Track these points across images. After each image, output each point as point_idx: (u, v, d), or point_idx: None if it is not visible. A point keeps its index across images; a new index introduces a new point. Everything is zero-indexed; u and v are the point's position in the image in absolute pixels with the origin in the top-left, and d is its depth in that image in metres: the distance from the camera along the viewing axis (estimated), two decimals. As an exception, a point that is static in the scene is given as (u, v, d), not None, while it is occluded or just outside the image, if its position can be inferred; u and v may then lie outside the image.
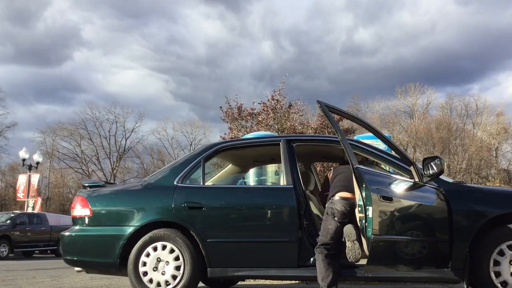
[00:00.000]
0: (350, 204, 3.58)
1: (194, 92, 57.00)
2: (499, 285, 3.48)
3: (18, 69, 52.94)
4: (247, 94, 49.23)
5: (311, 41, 54.83)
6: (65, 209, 34.58)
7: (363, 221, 3.22)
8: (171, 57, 56.61)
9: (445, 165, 3.58)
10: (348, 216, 3.56)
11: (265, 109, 12.57)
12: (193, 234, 3.88)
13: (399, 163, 3.87)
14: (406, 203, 3.36)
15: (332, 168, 4.09)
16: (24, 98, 53.68)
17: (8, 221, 16.03)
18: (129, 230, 3.96)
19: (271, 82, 53.07)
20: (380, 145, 5.62)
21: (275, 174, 6.33)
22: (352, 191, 3.60)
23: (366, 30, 54.59)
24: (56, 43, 53.26)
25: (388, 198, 3.23)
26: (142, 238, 3.93)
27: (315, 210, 4.44)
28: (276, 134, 10.52)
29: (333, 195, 3.70)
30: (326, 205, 3.74)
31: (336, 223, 3.58)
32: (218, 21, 57.61)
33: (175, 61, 56.33)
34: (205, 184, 4.27)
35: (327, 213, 3.69)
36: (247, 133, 11.09)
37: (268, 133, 9.69)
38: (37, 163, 23.64)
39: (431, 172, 3.48)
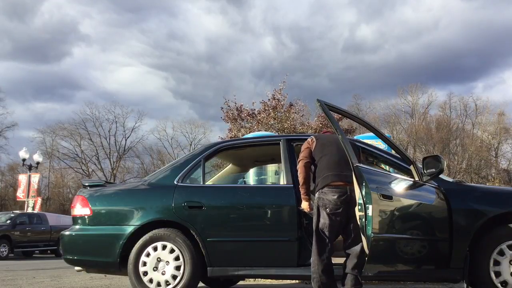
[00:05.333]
0: (343, 192, 3.39)
1: (194, 89, 56.86)
2: (499, 285, 3.49)
3: (15, 65, 52.72)
4: (248, 92, 49.03)
5: (312, 37, 54.54)
6: (65, 209, 34.58)
7: (363, 219, 3.23)
8: (170, 53, 56.36)
9: (445, 164, 3.58)
10: (341, 206, 3.38)
11: (265, 108, 12.57)
12: (193, 234, 3.89)
13: (399, 162, 3.88)
14: (406, 202, 3.36)
15: (313, 136, 3.73)
16: (22, 96, 53.59)
17: (8, 221, 16.03)
18: (129, 229, 3.96)
19: (272, 80, 52.71)
20: (380, 144, 5.63)
21: (275, 174, 6.33)
22: (343, 179, 3.40)
23: (369, 26, 54.30)
24: (53, 38, 53.06)
25: (388, 197, 3.23)
26: (142, 238, 3.94)
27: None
28: (276, 134, 10.53)
29: (323, 187, 3.45)
30: (316, 196, 3.52)
31: (328, 217, 3.39)
32: (220, 16, 57.34)
33: (175, 58, 56.08)
34: (205, 183, 4.28)
35: (317, 205, 3.47)
36: (247, 133, 11.09)
37: (268, 133, 9.69)
38: (37, 163, 23.64)
39: (431, 171, 3.49)
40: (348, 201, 3.39)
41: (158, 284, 3.86)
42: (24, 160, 22.45)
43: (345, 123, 14.45)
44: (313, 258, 3.44)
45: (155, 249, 3.91)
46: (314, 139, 3.68)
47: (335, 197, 3.39)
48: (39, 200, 23.67)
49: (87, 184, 4.38)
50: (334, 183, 3.43)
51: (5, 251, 15.15)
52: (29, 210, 20.90)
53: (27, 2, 50.95)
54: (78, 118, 39.70)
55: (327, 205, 3.41)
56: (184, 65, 55.62)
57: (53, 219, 18.10)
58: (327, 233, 3.41)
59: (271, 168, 6.38)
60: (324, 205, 3.43)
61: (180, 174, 4.14)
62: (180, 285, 3.82)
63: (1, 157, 37.22)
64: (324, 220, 3.43)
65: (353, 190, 3.39)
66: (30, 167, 22.65)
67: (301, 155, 3.66)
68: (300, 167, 3.63)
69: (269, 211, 3.89)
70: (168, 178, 4.17)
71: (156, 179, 4.23)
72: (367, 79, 52.66)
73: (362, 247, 3.34)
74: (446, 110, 41.03)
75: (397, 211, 3.30)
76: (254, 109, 12.94)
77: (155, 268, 3.89)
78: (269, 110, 12.49)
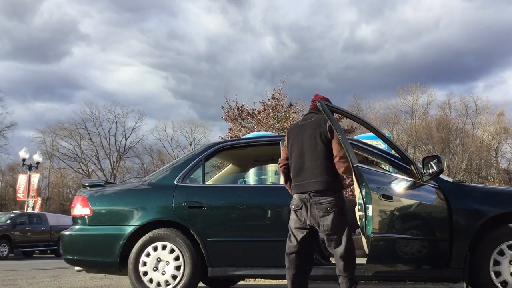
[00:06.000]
0: (303, 193, 3.29)
1: (194, 89, 56.80)
2: (499, 285, 3.49)
3: (15, 65, 52.66)
4: (248, 92, 48.99)
5: (313, 37, 54.43)
6: (65, 209, 34.60)
7: (363, 219, 3.23)
8: (170, 53, 56.22)
9: (445, 164, 3.58)
10: (301, 203, 3.29)
11: (265, 108, 12.57)
12: (193, 234, 3.89)
13: (399, 162, 3.88)
14: (406, 202, 3.36)
15: (287, 132, 3.56)
16: (21, 95, 53.53)
17: (8, 221, 16.04)
18: (129, 229, 3.97)
19: (272, 80, 52.84)
20: (381, 144, 5.63)
21: (275, 174, 6.34)
22: (304, 189, 3.27)
23: (369, 26, 54.24)
24: (53, 38, 53.01)
25: (388, 197, 3.23)
26: (142, 238, 3.94)
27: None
28: (276, 134, 10.53)
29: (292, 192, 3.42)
30: None
31: (293, 213, 3.35)
32: (220, 15, 57.25)
33: (175, 58, 55.97)
34: (205, 183, 4.28)
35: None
36: (247, 133, 11.09)
37: (268, 133, 9.69)
38: (37, 163, 23.66)
39: (431, 171, 3.49)
40: (306, 202, 3.25)
41: (158, 284, 3.86)
42: (24, 160, 22.47)
43: (345, 123, 14.45)
44: None
45: (155, 249, 3.91)
46: (286, 137, 3.56)
47: (296, 195, 3.34)
48: (39, 200, 23.68)
49: (87, 184, 4.39)
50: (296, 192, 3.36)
51: (5, 251, 15.16)
52: (29, 210, 20.91)
53: (26, 1, 50.97)
54: (78, 118, 39.77)
55: (292, 203, 3.37)
56: (184, 65, 55.66)
57: (53, 219, 18.11)
58: (293, 229, 3.34)
59: (271, 168, 6.38)
60: (291, 203, 3.39)
61: (180, 174, 4.14)
62: (180, 285, 3.82)
63: (1, 157, 37.28)
64: (291, 216, 3.38)
65: (313, 193, 3.21)
66: (30, 167, 22.65)
67: (281, 156, 3.61)
68: (279, 169, 3.61)
69: (269, 211, 3.89)
70: (168, 178, 4.17)
71: (156, 179, 4.23)
72: (367, 79, 52.69)
73: (345, 248, 3.18)
74: (446, 110, 41.07)
75: (397, 211, 3.30)
76: (255, 109, 12.94)
77: (155, 268, 3.89)
78: (268, 110, 12.49)
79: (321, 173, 3.22)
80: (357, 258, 3.64)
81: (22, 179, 22.74)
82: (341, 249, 3.20)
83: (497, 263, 3.52)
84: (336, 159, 3.22)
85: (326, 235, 3.23)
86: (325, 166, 3.23)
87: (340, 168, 3.21)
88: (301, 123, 3.49)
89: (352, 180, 3.28)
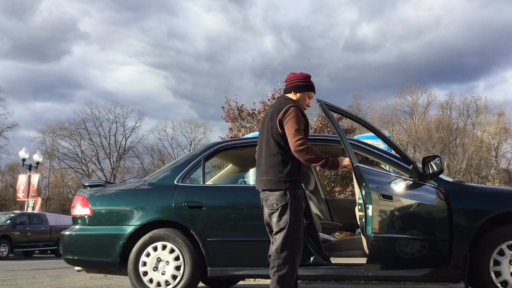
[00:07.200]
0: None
1: (194, 89, 56.85)
2: (499, 285, 3.48)
3: (14, 65, 52.75)
4: (248, 92, 48.97)
5: (313, 36, 54.56)
6: (65, 209, 34.59)
7: (363, 219, 3.23)
8: (170, 52, 56.29)
9: (445, 164, 3.58)
10: (260, 201, 3.08)
11: (265, 108, 12.58)
12: (193, 234, 3.89)
13: (399, 162, 3.88)
14: (406, 202, 3.36)
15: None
16: (21, 95, 53.54)
17: (8, 221, 16.06)
18: (129, 229, 3.97)
19: (272, 79, 52.91)
20: (380, 144, 5.63)
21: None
22: (258, 187, 3.05)
23: (370, 25, 54.32)
24: (53, 37, 53.08)
25: (388, 197, 3.23)
26: (142, 238, 3.94)
27: (315, 210, 4.45)
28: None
29: None
30: None
31: None
32: (220, 14, 57.28)
33: (175, 57, 56.01)
34: (205, 183, 4.28)
35: None
36: (247, 133, 11.10)
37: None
38: (37, 163, 23.66)
39: (431, 171, 3.49)
40: (262, 200, 3.05)
41: (158, 284, 3.86)
42: (24, 160, 22.48)
43: (345, 123, 14.45)
44: None
45: (155, 249, 3.91)
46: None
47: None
48: (39, 200, 23.70)
49: (87, 184, 4.39)
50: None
51: (5, 251, 15.17)
52: (29, 210, 20.92)
53: (26, 0, 50.94)
54: (78, 118, 39.84)
55: None
56: (184, 64, 55.69)
57: (53, 219, 18.13)
58: (268, 231, 3.16)
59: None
60: None
61: (180, 174, 4.13)
62: (180, 285, 3.82)
63: (1, 157, 37.28)
64: None
65: (267, 193, 2.98)
66: (30, 167, 22.66)
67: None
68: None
69: (269, 211, 3.88)
70: (168, 178, 4.16)
71: (156, 179, 4.23)
72: (367, 78, 52.76)
73: (276, 249, 3.00)
74: (447, 110, 41.10)
75: (397, 211, 3.30)
76: (255, 109, 12.95)
77: (155, 268, 3.89)
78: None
79: (267, 171, 2.97)
80: (357, 258, 3.66)
81: (22, 179, 22.75)
82: (273, 248, 2.96)
83: (497, 263, 3.52)
84: (293, 152, 2.89)
85: (275, 237, 2.98)
86: (273, 163, 2.95)
87: (300, 159, 2.90)
88: (267, 111, 3.21)
89: (325, 163, 2.90)
